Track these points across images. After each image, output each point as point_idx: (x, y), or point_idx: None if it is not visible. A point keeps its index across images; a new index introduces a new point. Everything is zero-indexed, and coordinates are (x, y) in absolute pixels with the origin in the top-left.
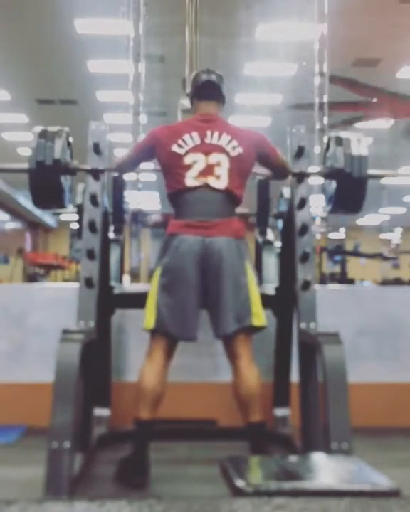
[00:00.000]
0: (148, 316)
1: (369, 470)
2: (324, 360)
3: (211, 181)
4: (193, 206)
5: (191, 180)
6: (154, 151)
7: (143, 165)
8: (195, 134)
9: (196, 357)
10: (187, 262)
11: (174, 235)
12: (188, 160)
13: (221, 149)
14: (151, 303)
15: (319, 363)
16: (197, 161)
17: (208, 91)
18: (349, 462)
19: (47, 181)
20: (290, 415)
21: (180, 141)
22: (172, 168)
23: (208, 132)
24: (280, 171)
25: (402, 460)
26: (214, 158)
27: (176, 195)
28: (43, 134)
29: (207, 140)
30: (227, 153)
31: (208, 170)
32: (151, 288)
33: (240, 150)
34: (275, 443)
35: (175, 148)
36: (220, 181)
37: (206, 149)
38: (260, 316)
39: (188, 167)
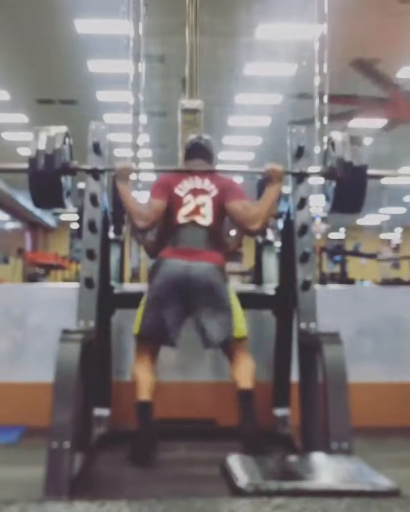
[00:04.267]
0: (136, 323)
1: (369, 470)
2: (324, 360)
3: (198, 219)
4: (182, 239)
5: (181, 218)
6: (168, 188)
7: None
8: (190, 180)
9: (196, 357)
10: (172, 280)
11: (164, 258)
12: (185, 200)
13: (205, 192)
14: (140, 312)
15: (319, 363)
16: (190, 202)
17: (195, 152)
18: (349, 462)
19: (47, 181)
20: (290, 415)
21: (180, 185)
22: (171, 208)
23: (198, 179)
24: (240, 220)
25: (402, 460)
26: (201, 199)
27: (169, 230)
28: (42, 134)
29: (198, 185)
30: (208, 194)
31: (196, 210)
32: (142, 300)
33: (215, 191)
34: (275, 443)
35: (177, 191)
36: (205, 219)
37: (196, 192)
38: (242, 330)
39: (184, 206)
